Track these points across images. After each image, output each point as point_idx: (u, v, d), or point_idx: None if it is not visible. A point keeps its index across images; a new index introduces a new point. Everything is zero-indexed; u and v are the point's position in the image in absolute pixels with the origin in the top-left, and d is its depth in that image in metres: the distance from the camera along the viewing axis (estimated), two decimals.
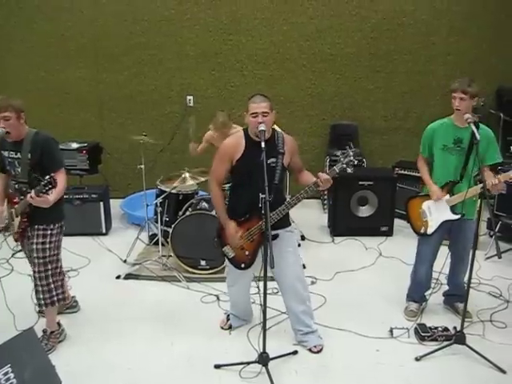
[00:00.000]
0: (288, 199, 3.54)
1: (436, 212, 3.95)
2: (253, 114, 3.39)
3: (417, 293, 4.23)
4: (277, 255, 3.13)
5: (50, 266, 3.69)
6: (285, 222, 3.62)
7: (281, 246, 3.52)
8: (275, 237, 3.45)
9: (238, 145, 3.50)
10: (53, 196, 3.41)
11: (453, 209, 3.87)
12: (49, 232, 3.68)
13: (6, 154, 3.66)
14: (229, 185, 4.70)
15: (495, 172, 3.85)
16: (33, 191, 3.32)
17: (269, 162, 3.38)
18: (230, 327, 4.06)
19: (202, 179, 5.04)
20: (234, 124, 5.31)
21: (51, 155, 3.60)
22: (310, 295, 3.84)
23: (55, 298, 3.73)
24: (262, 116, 3.37)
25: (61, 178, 3.54)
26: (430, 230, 3.99)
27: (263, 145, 3.22)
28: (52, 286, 3.71)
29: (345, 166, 3.36)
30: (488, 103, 6.69)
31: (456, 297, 4.21)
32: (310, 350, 3.76)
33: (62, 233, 3.81)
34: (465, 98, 3.66)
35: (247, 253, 3.60)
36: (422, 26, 6.78)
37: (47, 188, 3.28)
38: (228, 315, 4.11)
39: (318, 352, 3.74)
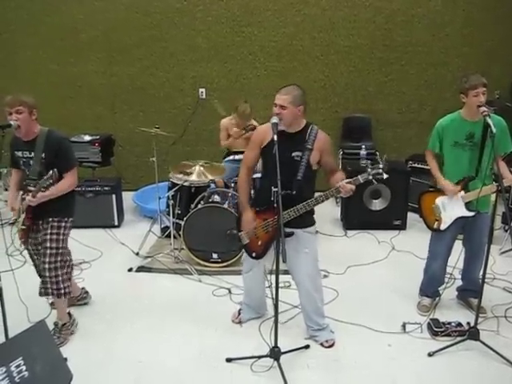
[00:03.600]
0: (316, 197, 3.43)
1: (450, 208, 3.88)
2: (274, 103, 3.34)
3: (430, 288, 4.19)
4: (293, 254, 3.21)
5: (59, 258, 3.72)
6: (305, 221, 3.54)
7: (297, 246, 3.51)
8: (290, 234, 3.39)
9: (267, 132, 3.41)
10: (49, 191, 3.52)
11: (468, 205, 3.81)
12: (63, 224, 3.74)
13: (19, 154, 3.69)
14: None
15: (508, 162, 3.81)
16: (30, 194, 3.47)
17: (293, 154, 3.36)
18: (241, 322, 4.05)
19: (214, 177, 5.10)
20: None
21: (66, 156, 3.68)
22: (323, 297, 3.82)
23: (62, 291, 3.74)
24: (279, 107, 3.31)
25: (70, 177, 3.66)
26: (443, 226, 3.93)
27: (275, 138, 3.19)
28: (60, 278, 3.72)
29: (371, 177, 3.27)
30: (503, 96, 6.60)
31: (470, 292, 4.16)
32: (321, 344, 3.74)
33: (71, 228, 3.87)
34: (485, 90, 3.60)
35: (260, 243, 3.60)
36: (436, 17, 6.69)
37: (48, 183, 3.41)
38: (240, 309, 4.12)
39: (330, 347, 3.72)
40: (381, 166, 3.24)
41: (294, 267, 3.61)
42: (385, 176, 3.24)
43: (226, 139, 5.62)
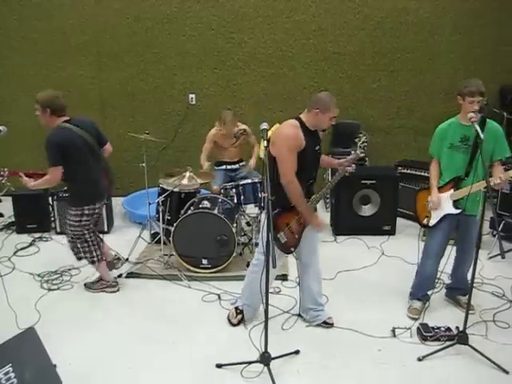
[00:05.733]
0: (327, 184, 3.87)
1: (440, 205, 3.99)
2: (334, 117, 3.67)
3: (421, 290, 4.23)
4: (312, 235, 3.81)
5: None
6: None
7: (314, 230, 3.82)
8: None
9: (300, 134, 3.57)
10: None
11: (455, 204, 3.93)
12: None
13: None
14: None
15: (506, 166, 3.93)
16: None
17: (316, 148, 3.71)
18: (240, 322, 4.04)
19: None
20: (238, 122, 5.39)
21: (47, 155, 4.04)
22: None
23: None
24: None
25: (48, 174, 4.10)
26: (431, 222, 4.07)
27: (265, 143, 3.26)
28: None
29: (363, 150, 3.77)
30: (491, 102, 6.66)
31: (458, 290, 4.29)
32: (325, 322, 4.00)
33: None
34: (481, 99, 3.72)
35: (296, 236, 3.78)
36: (425, 24, 6.75)
37: None
38: (237, 307, 4.09)
39: (333, 324, 3.99)
40: (363, 138, 3.77)
41: (310, 250, 3.89)
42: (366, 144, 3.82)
43: (207, 152, 5.58)
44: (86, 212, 4.26)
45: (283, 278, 4.74)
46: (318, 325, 4.01)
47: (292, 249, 3.82)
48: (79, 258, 4.44)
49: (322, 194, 3.78)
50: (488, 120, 3.82)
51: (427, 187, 4.18)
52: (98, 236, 4.61)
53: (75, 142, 4.10)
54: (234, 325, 4.03)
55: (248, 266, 4.25)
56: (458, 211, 3.92)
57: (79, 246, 4.37)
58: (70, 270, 4.92)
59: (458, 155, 3.88)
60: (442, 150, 3.98)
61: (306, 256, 3.92)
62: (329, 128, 3.78)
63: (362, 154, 3.79)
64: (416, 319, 4.07)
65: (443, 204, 3.97)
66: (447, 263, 4.08)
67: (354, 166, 3.84)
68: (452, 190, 3.93)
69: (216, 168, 5.77)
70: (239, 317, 4.06)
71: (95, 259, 4.44)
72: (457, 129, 3.89)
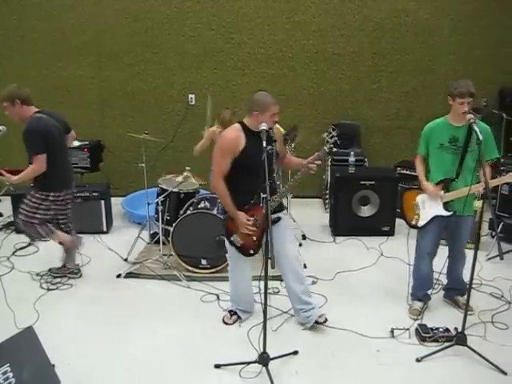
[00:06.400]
0: (288, 182, 3.82)
1: (429, 206, 4.02)
2: (275, 114, 3.59)
3: (421, 290, 4.24)
4: (278, 236, 3.60)
5: None
6: (282, 204, 3.88)
7: (281, 228, 3.75)
8: (279, 219, 3.75)
9: (239, 137, 3.61)
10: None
11: (445, 205, 3.94)
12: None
13: None
14: None
15: (495, 168, 3.91)
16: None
17: (268, 148, 3.51)
18: (235, 322, 4.07)
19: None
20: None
21: (27, 144, 4.20)
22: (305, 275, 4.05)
23: None
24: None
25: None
26: (420, 223, 4.07)
27: (264, 144, 3.30)
28: None
29: (332, 145, 3.60)
30: (491, 103, 6.67)
31: (455, 290, 4.30)
32: (316, 322, 3.92)
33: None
34: (471, 100, 3.71)
35: (254, 238, 3.73)
36: (424, 25, 6.76)
37: None
38: (231, 311, 4.12)
39: (325, 321, 3.92)
40: (335, 134, 3.60)
41: (282, 249, 3.76)
42: (338, 141, 3.62)
43: (202, 146, 5.45)
44: (51, 198, 4.36)
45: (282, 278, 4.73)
46: (312, 327, 3.97)
47: (251, 251, 3.79)
48: (32, 239, 4.62)
49: (282, 194, 3.74)
50: (477, 121, 3.80)
51: (414, 187, 4.20)
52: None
53: (52, 130, 4.27)
54: (229, 324, 4.07)
55: None
56: (449, 213, 3.93)
57: (26, 229, 4.49)
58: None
59: (446, 156, 3.89)
60: (428, 149, 4.00)
61: (280, 258, 3.81)
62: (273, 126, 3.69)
63: (335, 149, 3.74)
64: (417, 320, 4.07)
65: (433, 205, 3.97)
66: (444, 265, 4.10)
67: (316, 164, 3.68)
68: (442, 191, 3.93)
69: None
70: (234, 317, 4.10)
71: (49, 233, 4.51)
72: (445, 129, 3.89)
